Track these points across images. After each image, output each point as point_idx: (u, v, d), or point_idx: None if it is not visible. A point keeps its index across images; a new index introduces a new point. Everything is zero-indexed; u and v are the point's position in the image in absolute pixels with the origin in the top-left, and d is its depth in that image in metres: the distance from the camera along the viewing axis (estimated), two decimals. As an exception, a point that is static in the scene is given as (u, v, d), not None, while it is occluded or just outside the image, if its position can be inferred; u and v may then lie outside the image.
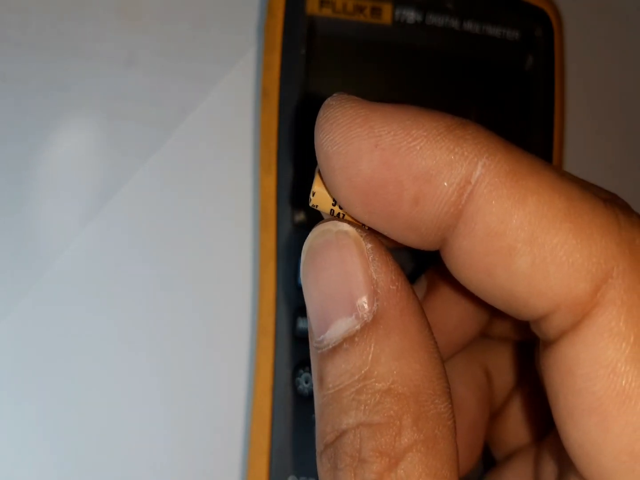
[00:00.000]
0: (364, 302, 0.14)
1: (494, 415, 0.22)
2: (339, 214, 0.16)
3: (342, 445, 0.14)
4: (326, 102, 0.15)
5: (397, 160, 0.14)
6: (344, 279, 0.15)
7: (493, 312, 0.20)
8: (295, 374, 0.24)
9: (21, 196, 0.26)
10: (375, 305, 0.14)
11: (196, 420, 0.26)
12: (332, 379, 0.14)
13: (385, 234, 0.15)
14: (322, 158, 0.15)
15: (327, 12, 0.26)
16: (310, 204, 0.16)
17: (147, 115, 0.27)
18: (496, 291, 0.14)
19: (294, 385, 0.24)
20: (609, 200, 0.14)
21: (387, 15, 0.26)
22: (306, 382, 0.24)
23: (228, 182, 0.28)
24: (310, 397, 0.24)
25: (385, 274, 0.14)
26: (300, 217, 0.25)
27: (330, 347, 0.14)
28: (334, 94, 0.15)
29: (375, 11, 0.26)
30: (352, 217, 0.15)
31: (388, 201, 0.14)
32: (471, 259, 0.14)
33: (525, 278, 0.14)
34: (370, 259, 0.14)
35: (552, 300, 0.14)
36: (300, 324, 0.24)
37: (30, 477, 0.25)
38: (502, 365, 0.22)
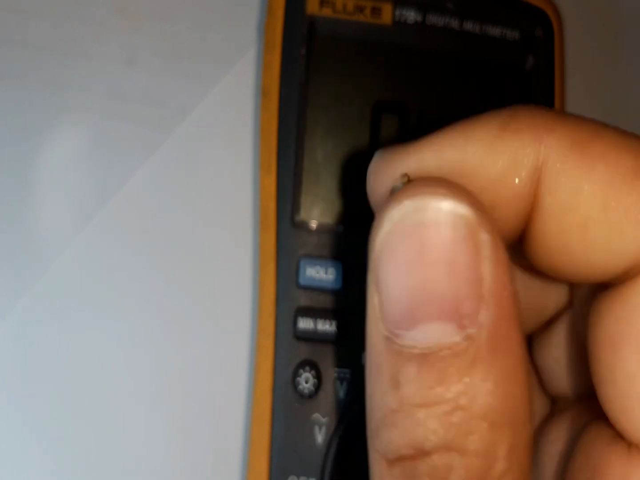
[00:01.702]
0: (470, 309, 0.12)
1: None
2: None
3: (426, 466, 0.12)
4: (373, 159, 0.15)
5: (465, 181, 0.13)
6: (451, 276, 0.12)
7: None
8: (295, 374, 0.24)
9: (21, 196, 0.26)
10: (483, 315, 0.12)
11: (196, 420, 0.26)
12: (417, 390, 0.12)
13: None
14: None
15: (327, 12, 0.26)
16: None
17: (147, 115, 0.27)
18: (572, 264, 0.14)
19: (294, 385, 0.24)
20: None
21: (387, 15, 0.26)
22: (306, 382, 0.24)
23: (228, 182, 0.28)
24: (310, 397, 0.24)
25: (499, 276, 0.12)
26: (300, 217, 0.25)
27: (417, 351, 0.12)
28: (378, 153, 0.15)
29: (375, 11, 0.26)
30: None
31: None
32: (548, 241, 0.14)
33: (602, 245, 0.13)
34: (484, 255, 0.12)
35: (630, 259, 0.13)
36: (301, 323, 0.24)
37: (30, 476, 0.25)
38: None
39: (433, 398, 0.12)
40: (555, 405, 0.20)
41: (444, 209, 0.12)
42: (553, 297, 0.18)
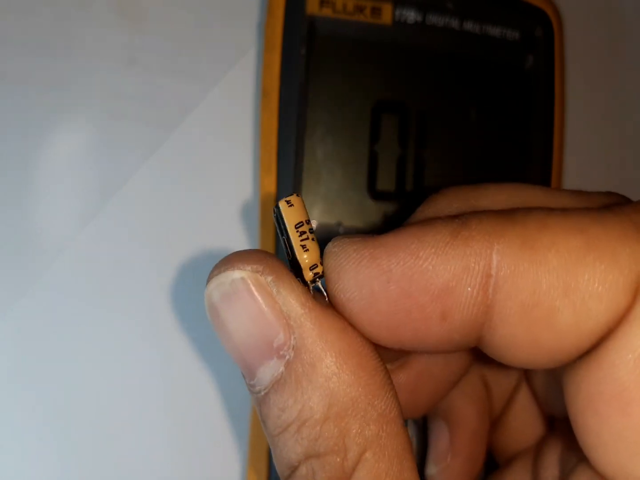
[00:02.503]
0: (280, 340, 0.14)
1: (494, 421, 0.22)
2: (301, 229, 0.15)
3: (298, 479, 0.14)
4: (328, 249, 0.15)
5: (413, 288, 0.14)
6: (254, 325, 0.14)
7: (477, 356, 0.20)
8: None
9: (21, 196, 0.26)
10: (292, 338, 0.14)
11: (196, 420, 0.26)
12: (273, 422, 0.14)
13: (418, 351, 0.15)
14: (338, 305, 0.15)
15: (327, 12, 0.26)
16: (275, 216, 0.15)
17: (147, 115, 0.27)
18: (544, 356, 0.14)
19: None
20: (612, 205, 0.14)
21: (387, 15, 0.26)
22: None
23: (228, 182, 0.28)
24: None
25: (294, 301, 0.14)
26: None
27: (262, 393, 0.14)
28: (334, 240, 0.15)
29: (375, 11, 0.26)
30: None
31: (415, 327, 0.14)
32: (515, 340, 0.14)
33: (571, 328, 0.13)
34: (275, 292, 0.14)
35: (600, 330, 0.13)
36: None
37: (29, 476, 0.25)
38: (498, 372, 0.22)
39: (283, 424, 0.14)
40: (552, 423, 0.20)
41: (226, 282, 0.14)
42: None
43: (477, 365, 0.22)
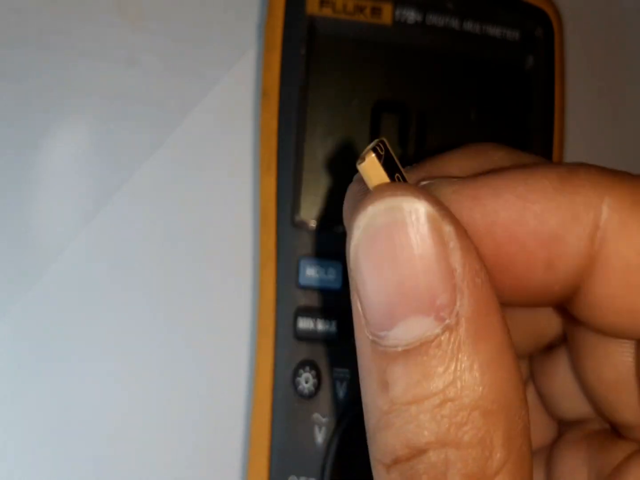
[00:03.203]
0: (445, 299, 0.12)
1: None
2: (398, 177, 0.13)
3: (422, 464, 0.12)
4: (421, 187, 0.14)
5: (521, 232, 0.13)
6: (421, 270, 0.12)
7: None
8: (295, 374, 0.24)
9: (21, 196, 0.26)
10: (458, 303, 0.12)
11: (196, 420, 0.26)
12: (405, 387, 0.12)
13: (511, 304, 0.14)
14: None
15: (327, 12, 0.26)
16: (358, 166, 0.13)
17: (147, 115, 0.27)
18: (632, 323, 0.14)
19: (294, 385, 0.24)
20: None
21: (387, 15, 0.26)
22: (306, 382, 0.24)
23: (228, 182, 0.28)
24: (310, 397, 0.24)
25: (469, 265, 0.12)
26: (300, 217, 0.25)
27: (400, 349, 0.12)
28: (426, 184, 0.14)
29: (375, 11, 0.26)
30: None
31: (519, 274, 0.13)
32: (611, 302, 0.13)
33: None
34: (451, 245, 0.12)
35: None
36: (301, 323, 0.24)
37: (29, 476, 0.25)
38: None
39: (421, 393, 0.12)
40: (561, 427, 0.20)
41: (405, 208, 0.12)
42: (552, 323, 0.18)
43: None
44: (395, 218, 0.12)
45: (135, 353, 0.26)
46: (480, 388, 0.12)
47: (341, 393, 0.24)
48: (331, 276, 0.25)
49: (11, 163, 0.26)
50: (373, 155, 0.13)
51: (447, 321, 0.12)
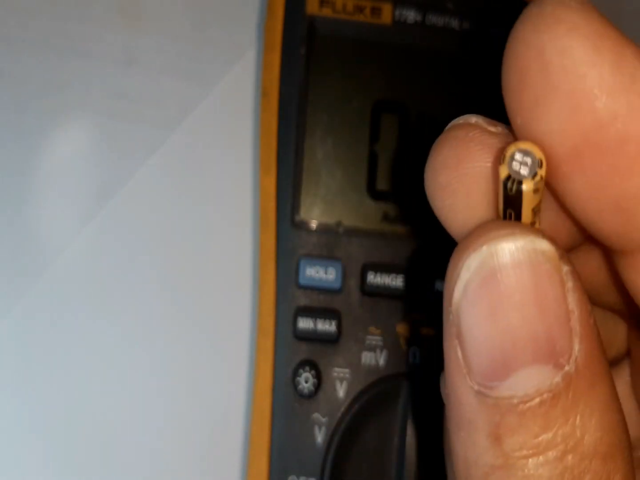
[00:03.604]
0: (564, 345, 0.11)
1: None
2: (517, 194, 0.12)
3: None
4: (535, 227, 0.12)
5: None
6: (542, 315, 0.11)
7: None
8: (295, 374, 0.24)
9: (21, 196, 0.26)
10: (576, 348, 0.11)
11: (196, 420, 0.26)
12: (522, 440, 0.11)
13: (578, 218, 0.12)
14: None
15: (327, 12, 0.26)
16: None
17: (147, 115, 0.27)
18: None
19: (294, 385, 0.24)
20: None
21: (387, 15, 0.26)
22: (306, 382, 0.24)
23: (228, 182, 0.28)
24: (310, 396, 0.24)
25: (584, 306, 0.11)
26: (300, 217, 0.25)
27: (516, 400, 0.11)
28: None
29: (375, 11, 0.26)
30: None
31: (619, 165, 0.11)
32: None
33: None
34: (569, 286, 0.11)
35: None
36: (301, 323, 0.24)
37: (30, 475, 0.25)
38: None
39: (541, 446, 0.11)
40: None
41: (522, 248, 0.11)
42: (618, 337, 0.17)
43: None
44: (510, 260, 0.11)
45: (135, 353, 0.26)
46: (600, 434, 0.11)
47: (341, 393, 0.24)
48: (331, 276, 0.25)
49: (11, 163, 0.26)
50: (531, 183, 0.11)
51: (567, 368, 0.11)
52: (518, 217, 0.12)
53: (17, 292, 0.26)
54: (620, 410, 0.12)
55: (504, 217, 0.12)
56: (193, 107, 0.28)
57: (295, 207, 0.25)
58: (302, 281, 0.25)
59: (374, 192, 0.26)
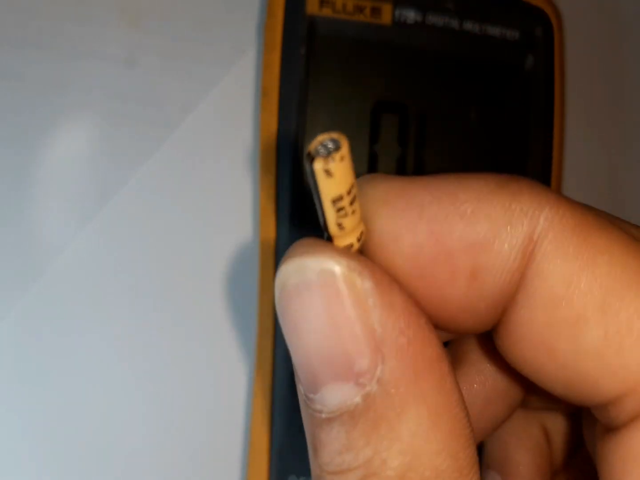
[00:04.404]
0: (363, 365, 0.11)
1: (555, 474, 0.19)
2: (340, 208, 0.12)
3: None
4: (360, 181, 0.13)
5: (446, 230, 0.12)
6: (335, 335, 0.11)
7: (530, 388, 0.17)
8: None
9: (21, 196, 0.26)
10: (379, 369, 0.11)
11: (196, 420, 0.26)
12: (329, 455, 0.11)
13: (440, 324, 0.13)
14: (371, 248, 0.12)
15: (327, 12, 0.26)
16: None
17: (147, 115, 0.27)
18: (559, 372, 0.12)
19: (294, 385, 0.24)
20: None
21: (387, 15, 0.26)
22: (306, 382, 0.24)
23: (228, 182, 0.28)
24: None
25: (392, 323, 0.11)
26: (300, 217, 0.25)
27: (324, 416, 0.11)
28: (365, 178, 0.13)
29: (375, 11, 0.26)
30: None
31: (440, 281, 0.12)
32: (530, 333, 0.12)
33: (595, 354, 0.11)
34: (370, 303, 0.11)
35: (626, 381, 0.11)
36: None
37: (28, 476, 0.25)
38: (561, 421, 0.19)
39: (343, 464, 0.11)
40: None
41: (315, 268, 0.11)
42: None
43: (537, 413, 0.19)
44: (305, 279, 0.11)
45: (135, 353, 0.26)
46: (408, 458, 0.11)
47: (341, 393, 0.24)
48: (331, 276, 0.25)
49: (11, 163, 0.26)
50: (346, 149, 0.11)
51: (368, 388, 0.11)
52: (321, 209, 0.12)
53: (17, 292, 0.26)
54: (448, 438, 0.11)
55: (320, 219, 0.12)
56: (193, 107, 0.28)
57: (295, 207, 0.25)
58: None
59: (374, 192, 0.26)
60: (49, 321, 0.26)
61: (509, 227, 0.12)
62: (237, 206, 0.28)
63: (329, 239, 0.12)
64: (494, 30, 0.27)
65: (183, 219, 0.27)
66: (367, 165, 0.26)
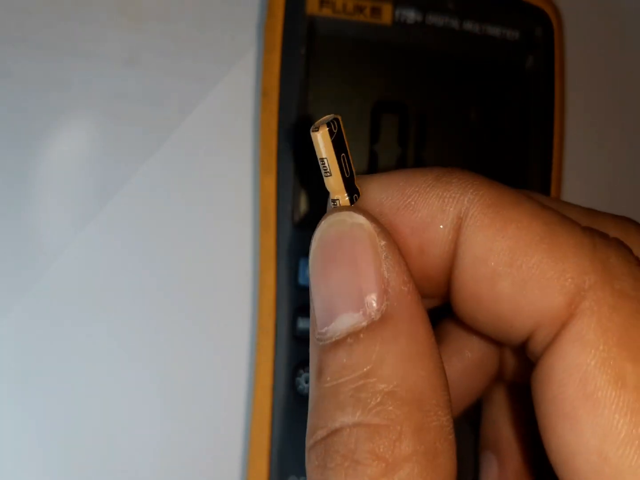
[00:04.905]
0: (372, 299, 0.14)
1: None
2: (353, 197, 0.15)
3: (335, 443, 0.14)
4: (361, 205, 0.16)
5: (398, 220, 0.15)
6: (355, 273, 0.14)
7: (501, 354, 0.20)
8: (295, 374, 0.24)
9: (20, 196, 0.26)
10: (384, 304, 0.14)
11: (196, 420, 0.26)
12: (332, 372, 0.14)
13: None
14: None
15: (327, 12, 0.26)
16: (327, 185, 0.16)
17: (147, 115, 0.27)
18: (487, 318, 0.15)
19: (294, 385, 0.24)
20: (591, 229, 0.15)
21: (387, 15, 0.26)
22: (306, 382, 0.24)
23: (228, 182, 0.28)
24: (310, 397, 0.24)
25: (397, 274, 0.14)
26: (300, 217, 0.25)
27: (333, 340, 0.14)
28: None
29: (375, 11, 0.26)
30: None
31: (404, 256, 0.15)
32: (464, 289, 0.15)
33: (508, 299, 0.14)
34: (383, 256, 0.14)
35: (533, 316, 0.14)
36: (301, 324, 0.24)
37: (29, 474, 0.25)
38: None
39: (344, 376, 0.14)
40: None
41: (348, 221, 0.15)
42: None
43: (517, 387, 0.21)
44: (342, 230, 0.15)
45: (135, 353, 0.26)
46: (396, 380, 0.13)
47: (341, 393, 0.24)
48: (331, 276, 0.25)
49: (11, 163, 0.26)
50: (326, 128, 0.14)
51: (373, 316, 0.14)
52: (327, 167, 0.15)
53: (17, 293, 0.26)
54: (428, 370, 0.14)
55: (326, 182, 0.15)
56: (193, 107, 0.28)
57: (295, 207, 0.25)
58: (302, 281, 0.25)
59: (374, 192, 0.26)
60: (49, 321, 0.26)
61: (442, 211, 0.15)
62: (237, 206, 0.28)
63: (334, 202, 0.15)
64: (494, 30, 0.27)
65: (183, 219, 0.27)
66: (367, 164, 0.26)
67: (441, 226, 0.15)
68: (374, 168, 0.26)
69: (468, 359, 0.20)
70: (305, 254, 0.25)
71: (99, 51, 0.27)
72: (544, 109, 0.27)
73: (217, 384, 0.27)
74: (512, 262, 0.14)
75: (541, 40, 0.27)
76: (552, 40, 0.27)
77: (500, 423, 0.21)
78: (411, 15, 0.26)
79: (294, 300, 0.25)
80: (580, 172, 0.30)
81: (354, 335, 0.14)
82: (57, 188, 0.27)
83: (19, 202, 0.26)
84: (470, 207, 0.15)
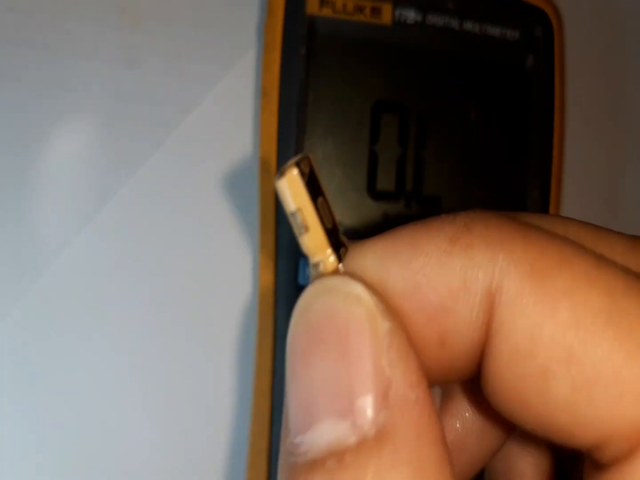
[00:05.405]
0: (367, 404, 0.10)
1: None
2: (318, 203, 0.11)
3: None
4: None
5: (407, 305, 0.11)
6: (345, 364, 0.11)
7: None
8: (295, 374, 0.24)
9: (21, 196, 0.26)
10: (382, 414, 0.10)
11: (196, 421, 0.26)
12: None
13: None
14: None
15: (327, 12, 0.26)
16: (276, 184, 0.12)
17: (147, 115, 0.27)
18: (535, 421, 0.12)
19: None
20: None
21: (387, 15, 0.26)
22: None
23: (228, 182, 0.28)
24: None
25: (403, 372, 0.11)
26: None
27: (308, 458, 0.10)
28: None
29: (375, 11, 0.26)
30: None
31: (415, 349, 0.11)
32: (503, 386, 0.11)
33: (566, 406, 0.11)
34: (386, 344, 0.11)
35: (601, 430, 0.11)
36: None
37: (30, 473, 0.25)
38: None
39: None
40: None
41: (342, 291, 0.11)
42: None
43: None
44: (333, 304, 0.11)
45: (135, 353, 0.26)
46: None
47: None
48: (331, 276, 0.25)
49: (11, 163, 0.26)
50: (295, 170, 0.11)
51: (365, 430, 0.10)
52: (310, 216, 0.11)
53: (16, 293, 0.26)
54: None
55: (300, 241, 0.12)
56: (193, 107, 0.28)
57: (295, 207, 0.25)
58: (302, 281, 0.25)
59: (374, 192, 0.26)
60: (49, 321, 0.26)
61: (464, 289, 0.11)
62: (236, 206, 0.28)
63: (315, 267, 0.12)
64: (494, 30, 0.27)
65: (182, 219, 0.27)
66: (367, 165, 0.26)
67: (466, 308, 0.11)
68: (373, 168, 0.26)
69: (478, 426, 0.16)
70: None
71: (99, 51, 0.27)
72: (544, 108, 0.27)
73: (217, 385, 0.27)
74: (571, 357, 0.11)
75: (541, 40, 0.27)
76: (552, 40, 0.27)
77: (514, 455, 0.17)
78: (411, 15, 0.26)
79: (293, 300, 0.25)
80: (580, 173, 0.30)
81: (337, 455, 0.10)
82: (56, 188, 0.27)
83: (19, 202, 0.26)
84: (504, 279, 0.11)
